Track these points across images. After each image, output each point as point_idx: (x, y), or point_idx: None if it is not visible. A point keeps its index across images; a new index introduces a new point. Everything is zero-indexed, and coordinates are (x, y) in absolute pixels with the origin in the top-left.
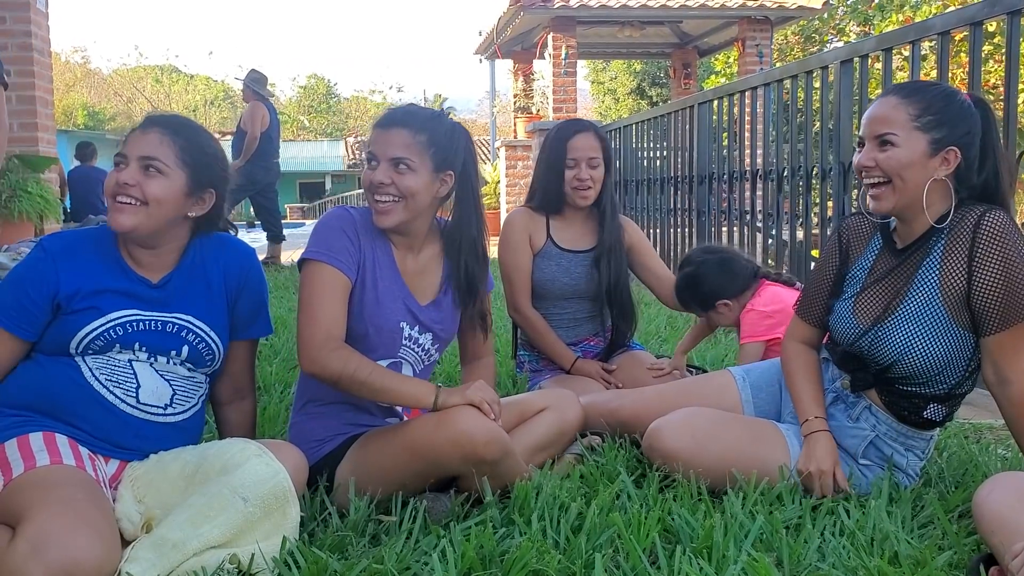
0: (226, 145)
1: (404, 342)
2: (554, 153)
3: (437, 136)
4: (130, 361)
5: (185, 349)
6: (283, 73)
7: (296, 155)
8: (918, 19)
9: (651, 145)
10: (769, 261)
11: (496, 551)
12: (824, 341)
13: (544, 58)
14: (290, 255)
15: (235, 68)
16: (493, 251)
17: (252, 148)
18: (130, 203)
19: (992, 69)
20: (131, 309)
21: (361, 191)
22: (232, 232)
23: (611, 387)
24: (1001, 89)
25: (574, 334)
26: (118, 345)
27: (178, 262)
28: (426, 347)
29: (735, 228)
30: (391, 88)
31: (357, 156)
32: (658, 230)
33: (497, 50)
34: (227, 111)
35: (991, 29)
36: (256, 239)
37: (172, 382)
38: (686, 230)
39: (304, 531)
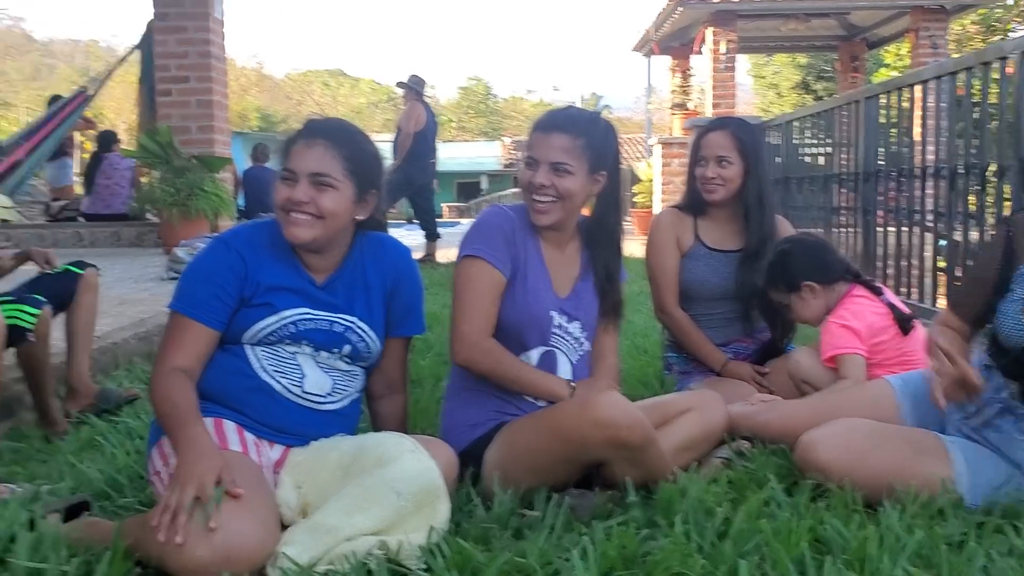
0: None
1: (555, 331)
2: (692, 151)
3: (594, 139)
4: (295, 354)
5: (347, 347)
6: (443, 75)
7: (454, 155)
8: None
9: (814, 142)
10: (939, 263)
11: (638, 552)
12: (986, 349)
13: (702, 53)
14: (446, 253)
15: (398, 71)
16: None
17: (406, 145)
18: (306, 217)
19: None
20: (303, 308)
21: (515, 190)
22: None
23: (764, 391)
24: None
25: (724, 335)
26: (288, 340)
27: (341, 263)
28: (576, 335)
29: (903, 228)
30: (548, 87)
31: (513, 156)
32: (820, 230)
33: (654, 47)
34: (390, 113)
35: None
36: (405, 236)
37: (331, 374)
38: (850, 230)
39: (451, 522)
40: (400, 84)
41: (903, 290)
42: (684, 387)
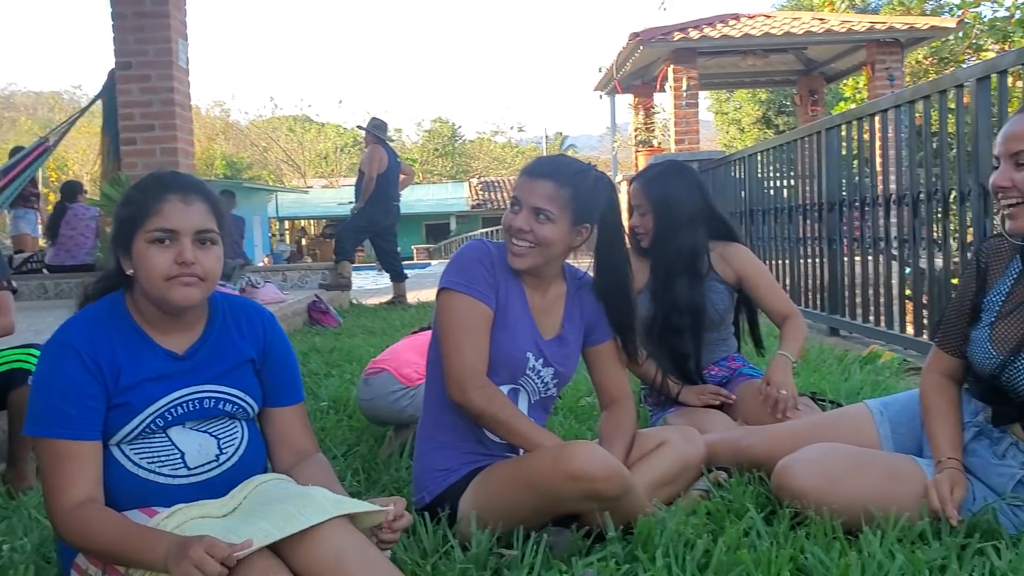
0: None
1: (527, 372)
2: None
3: (581, 191)
4: (164, 434)
5: (223, 414)
6: (409, 118)
7: (422, 197)
8: None
9: (777, 174)
10: (907, 291)
11: None
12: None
13: (664, 91)
14: (416, 295)
15: (363, 115)
16: None
17: (369, 189)
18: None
19: None
20: (166, 396)
21: (484, 230)
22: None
23: (723, 404)
24: None
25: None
26: (156, 431)
27: (203, 331)
28: (546, 380)
29: (869, 256)
30: (512, 128)
31: (481, 197)
32: (787, 260)
33: (617, 85)
34: (356, 157)
35: None
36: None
37: (211, 431)
38: (816, 260)
39: (427, 563)
40: (360, 128)
41: (871, 318)
42: (659, 420)
